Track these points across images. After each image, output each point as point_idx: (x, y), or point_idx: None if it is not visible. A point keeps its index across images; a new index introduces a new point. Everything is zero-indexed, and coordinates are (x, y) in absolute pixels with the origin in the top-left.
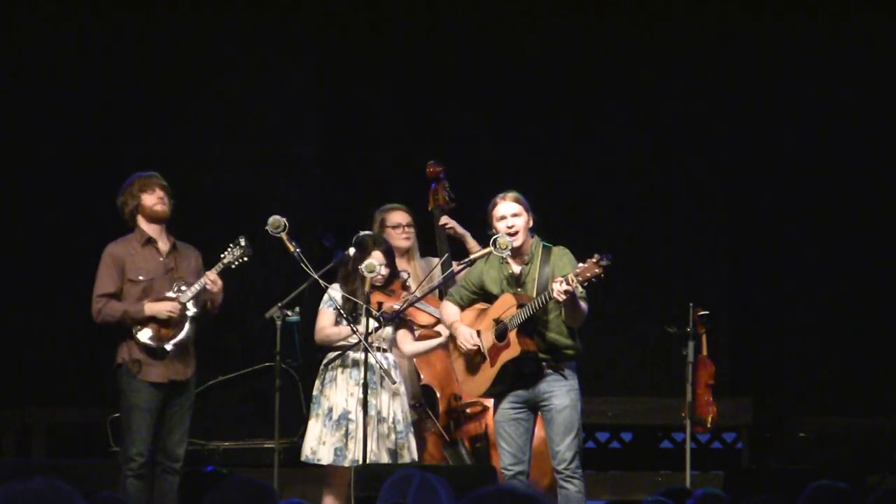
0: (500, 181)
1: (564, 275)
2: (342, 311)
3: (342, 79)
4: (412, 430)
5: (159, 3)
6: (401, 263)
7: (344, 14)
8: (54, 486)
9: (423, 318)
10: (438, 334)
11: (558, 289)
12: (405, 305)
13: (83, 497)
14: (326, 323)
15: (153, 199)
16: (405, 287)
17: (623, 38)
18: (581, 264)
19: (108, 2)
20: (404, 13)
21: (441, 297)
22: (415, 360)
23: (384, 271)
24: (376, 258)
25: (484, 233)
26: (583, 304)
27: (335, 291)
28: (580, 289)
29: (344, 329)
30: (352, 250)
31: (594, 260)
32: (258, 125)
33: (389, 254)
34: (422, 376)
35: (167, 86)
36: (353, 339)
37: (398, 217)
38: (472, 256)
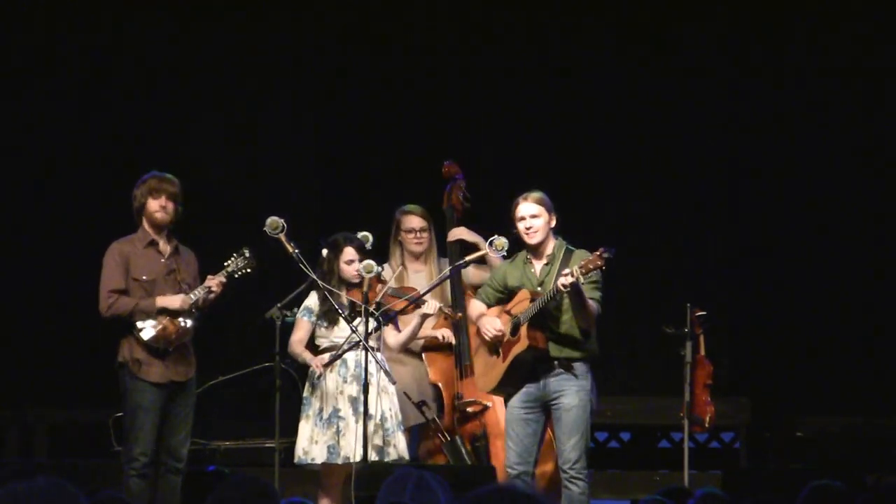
0: (500, 181)
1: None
2: (338, 311)
3: (342, 79)
4: (402, 427)
5: (160, 6)
6: (416, 266)
7: (344, 14)
8: (59, 486)
9: (401, 306)
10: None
11: (561, 280)
12: (409, 303)
13: (86, 497)
14: (300, 337)
15: (155, 206)
16: (381, 281)
17: (622, 39)
18: (588, 257)
19: (110, 6)
20: (405, 12)
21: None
22: (424, 359)
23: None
24: (348, 254)
25: (488, 233)
26: (592, 304)
27: (311, 300)
28: (582, 279)
29: (306, 354)
30: (325, 251)
31: (598, 253)
32: (257, 126)
33: (361, 249)
34: (430, 375)
35: (168, 87)
36: (339, 341)
37: (412, 222)
38: (467, 258)
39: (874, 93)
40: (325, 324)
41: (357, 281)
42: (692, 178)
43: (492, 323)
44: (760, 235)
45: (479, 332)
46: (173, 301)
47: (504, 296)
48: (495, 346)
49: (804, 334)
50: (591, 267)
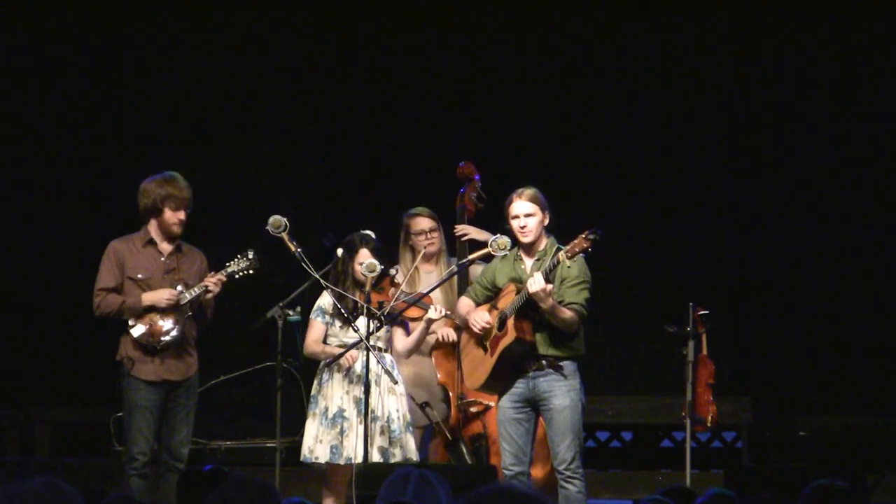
0: (500, 179)
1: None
2: (343, 312)
3: (343, 77)
4: (411, 429)
5: (164, 5)
6: (428, 266)
7: (346, 12)
8: (55, 487)
9: (412, 312)
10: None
11: (529, 284)
12: (409, 304)
13: (86, 496)
14: (316, 337)
15: (174, 219)
16: (394, 284)
17: (623, 37)
18: (573, 241)
19: (113, 5)
20: (407, 11)
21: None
22: (433, 360)
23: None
24: (363, 256)
25: (500, 228)
26: (566, 312)
27: (324, 300)
28: (568, 262)
29: (329, 349)
30: (340, 251)
31: (584, 235)
32: (259, 124)
33: (378, 251)
34: (438, 376)
35: (168, 85)
36: (350, 342)
37: (421, 224)
38: (470, 257)
39: (875, 92)
40: (339, 323)
41: (373, 283)
42: (694, 177)
43: (480, 315)
44: (762, 234)
45: (467, 327)
46: (160, 295)
47: (492, 294)
48: (483, 341)
49: (806, 333)
50: (578, 250)
